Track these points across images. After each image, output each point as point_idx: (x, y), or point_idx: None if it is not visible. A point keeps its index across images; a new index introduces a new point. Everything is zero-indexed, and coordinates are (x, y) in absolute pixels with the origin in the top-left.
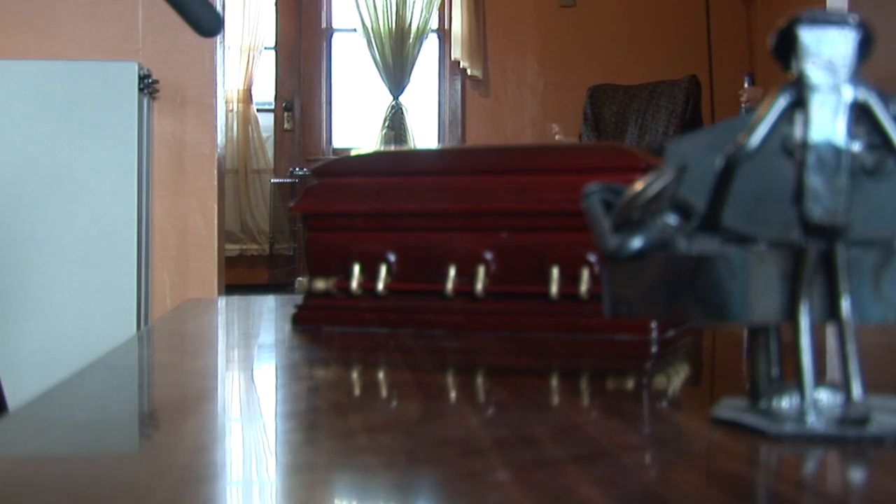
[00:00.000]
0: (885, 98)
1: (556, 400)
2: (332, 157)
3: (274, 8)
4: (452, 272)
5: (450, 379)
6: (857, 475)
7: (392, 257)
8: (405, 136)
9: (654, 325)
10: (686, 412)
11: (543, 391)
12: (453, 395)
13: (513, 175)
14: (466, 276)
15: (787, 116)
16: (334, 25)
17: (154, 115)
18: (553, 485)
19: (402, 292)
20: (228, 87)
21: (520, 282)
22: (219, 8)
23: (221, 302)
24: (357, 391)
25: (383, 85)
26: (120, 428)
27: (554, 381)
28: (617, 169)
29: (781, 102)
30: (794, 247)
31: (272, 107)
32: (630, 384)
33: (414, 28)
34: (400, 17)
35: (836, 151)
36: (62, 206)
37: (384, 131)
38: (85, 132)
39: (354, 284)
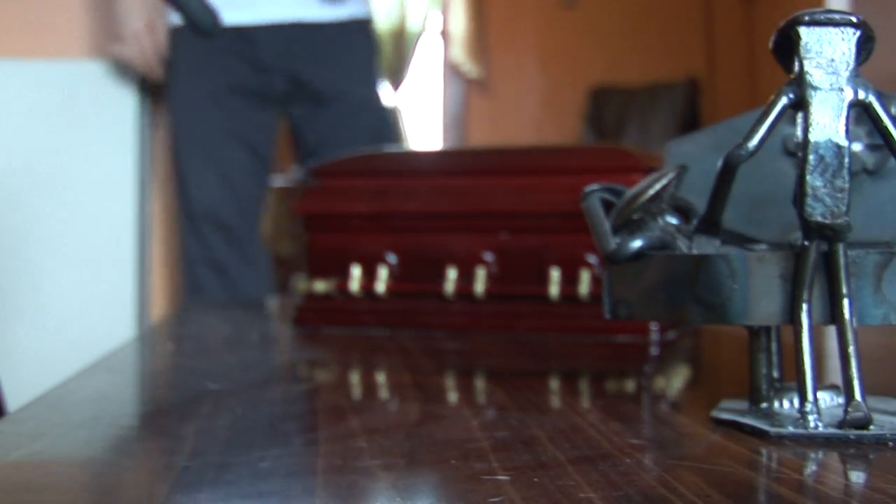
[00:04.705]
0: (885, 98)
1: (555, 402)
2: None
3: None
4: (452, 274)
5: (449, 381)
6: (857, 477)
7: (392, 258)
8: (405, 136)
9: (654, 326)
10: (686, 414)
11: (543, 393)
12: (453, 396)
13: (513, 176)
14: (466, 277)
15: (787, 116)
16: None
17: (153, 116)
18: (553, 487)
19: (401, 294)
20: None
21: (520, 283)
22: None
23: (222, 304)
24: (357, 393)
25: (383, 85)
26: (119, 430)
27: (554, 383)
28: (617, 169)
29: (782, 102)
30: (795, 247)
31: None
32: (630, 386)
33: (414, 28)
34: (399, 17)
35: (838, 151)
36: (61, 206)
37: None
38: (84, 132)
39: (354, 286)
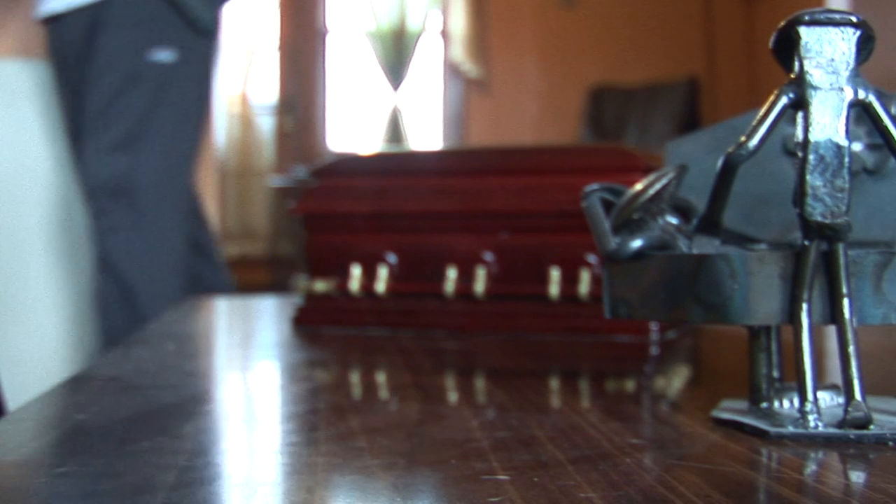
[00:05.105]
0: (885, 98)
1: (555, 401)
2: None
3: (274, 9)
4: (452, 273)
5: (450, 381)
6: (858, 477)
7: (392, 258)
8: (405, 136)
9: (654, 326)
10: (686, 414)
11: (543, 393)
12: (453, 396)
13: (513, 176)
14: (466, 277)
15: (787, 116)
16: (334, 26)
17: None
18: (553, 487)
19: (401, 294)
20: (228, 88)
21: (520, 283)
22: None
23: (222, 303)
24: (357, 393)
25: (383, 85)
26: (119, 430)
27: (554, 383)
28: (617, 169)
29: (782, 102)
30: (795, 247)
31: (273, 108)
32: (630, 386)
33: (414, 28)
34: (400, 17)
35: (838, 151)
36: (61, 206)
37: (385, 132)
38: None
39: (354, 286)
